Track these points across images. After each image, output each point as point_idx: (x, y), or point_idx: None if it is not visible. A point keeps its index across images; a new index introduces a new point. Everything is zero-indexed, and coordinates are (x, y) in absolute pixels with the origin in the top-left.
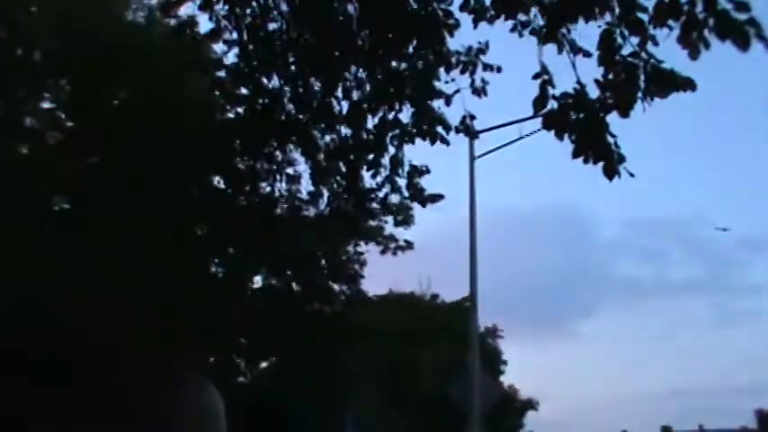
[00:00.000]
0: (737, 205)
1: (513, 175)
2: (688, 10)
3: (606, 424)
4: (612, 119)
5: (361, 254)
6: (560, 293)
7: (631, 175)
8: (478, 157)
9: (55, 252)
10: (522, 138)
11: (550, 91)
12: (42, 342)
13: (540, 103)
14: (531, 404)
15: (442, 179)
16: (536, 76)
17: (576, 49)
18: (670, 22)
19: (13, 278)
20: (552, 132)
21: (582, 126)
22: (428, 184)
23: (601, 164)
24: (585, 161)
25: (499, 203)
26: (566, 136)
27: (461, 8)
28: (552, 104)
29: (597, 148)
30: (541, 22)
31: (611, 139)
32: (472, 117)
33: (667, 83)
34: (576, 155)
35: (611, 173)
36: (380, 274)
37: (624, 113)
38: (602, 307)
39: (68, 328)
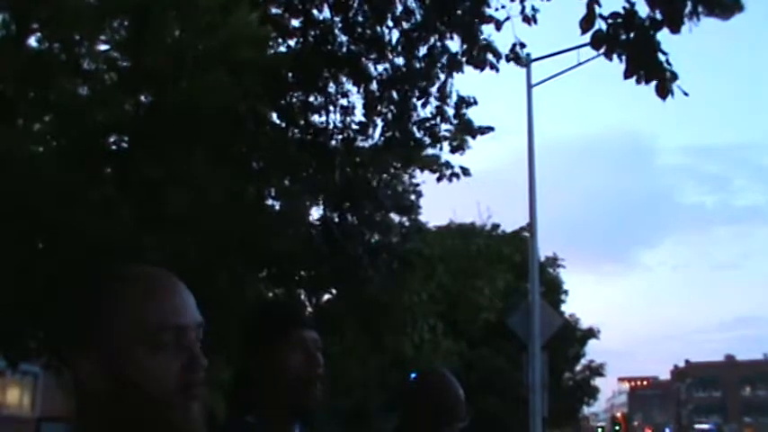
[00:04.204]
0: None
1: (573, 103)
2: None
3: (669, 352)
4: (676, 41)
5: (418, 184)
6: (622, 222)
7: (685, 94)
8: (535, 84)
9: (113, 191)
10: (579, 64)
11: (598, 10)
12: None
13: (587, 22)
14: (592, 333)
15: (501, 108)
16: None
17: None
18: None
19: (72, 219)
20: (602, 54)
21: (632, 45)
22: (487, 113)
23: (653, 84)
24: (638, 81)
25: (559, 131)
26: (615, 57)
27: None
28: (600, 24)
29: (649, 68)
30: None
31: (662, 57)
32: (522, 45)
33: (714, 3)
34: (627, 75)
35: (663, 92)
36: (441, 205)
37: (675, 29)
38: (664, 236)
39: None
